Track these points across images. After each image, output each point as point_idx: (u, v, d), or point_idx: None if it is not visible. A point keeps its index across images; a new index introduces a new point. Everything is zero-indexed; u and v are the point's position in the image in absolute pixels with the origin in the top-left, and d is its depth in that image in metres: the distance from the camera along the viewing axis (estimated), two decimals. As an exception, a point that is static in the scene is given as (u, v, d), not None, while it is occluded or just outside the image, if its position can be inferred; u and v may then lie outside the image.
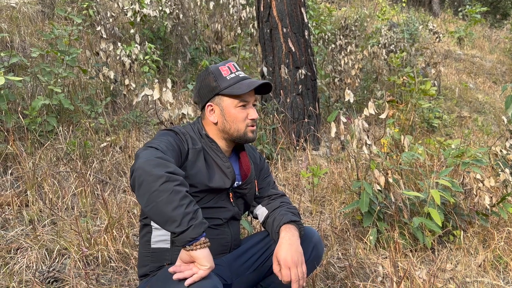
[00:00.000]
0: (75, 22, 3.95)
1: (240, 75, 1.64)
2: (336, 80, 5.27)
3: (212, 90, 1.63)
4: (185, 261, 1.27)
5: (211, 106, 1.65)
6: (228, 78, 1.61)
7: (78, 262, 2.11)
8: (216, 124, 1.64)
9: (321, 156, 4.10)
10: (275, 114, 4.04)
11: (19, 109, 3.18)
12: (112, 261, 2.20)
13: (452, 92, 7.29)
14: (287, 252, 1.50)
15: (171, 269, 1.27)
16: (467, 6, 12.42)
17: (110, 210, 2.50)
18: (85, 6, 4.97)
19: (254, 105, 1.67)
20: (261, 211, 1.77)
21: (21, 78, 2.89)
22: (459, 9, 13.96)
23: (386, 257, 2.49)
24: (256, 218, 1.82)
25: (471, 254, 2.62)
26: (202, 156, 1.57)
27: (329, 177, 3.52)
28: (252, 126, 1.65)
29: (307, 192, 3.36)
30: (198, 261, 1.24)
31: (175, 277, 1.24)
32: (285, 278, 1.47)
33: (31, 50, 3.76)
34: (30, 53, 3.92)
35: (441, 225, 2.46)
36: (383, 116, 2.66)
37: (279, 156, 3.72)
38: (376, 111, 2.71)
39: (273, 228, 1.65)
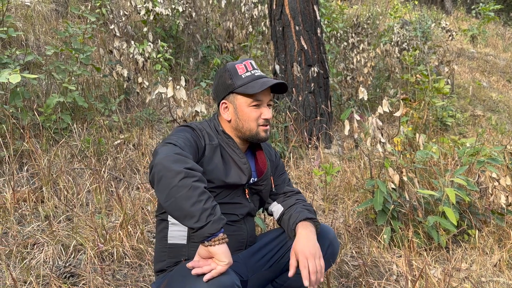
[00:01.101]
0: (89, 21, 3.98)
1: (256, 74, 1.63)
2: (348, 78, 5.25)
3: (227, 87, 1.63)
4: (203, 257, 1.28)
5: (225, 103, 1.65)
6: (243, 77, 1.61)
7: (94, 257, 2.13)
8: (229, 122, 1.65)
9: (333, 154, 4.08)
10: (287, 112, 4.04)
11: (34, 106, 3.22)
12: (127, 257, 2.22)
13: (466, 90, 7.22)
14: (305, 245, 1.50)
15: (189, 264, 1.27)
16: (481, 4, 12.26)
17: (125, 206, 2.52)
18: (98, 4, 5.00)
19: (269, 105, 1.66)
20: (277, 208, 1.77)
21: (36, 76, 2.92)
22: (472, 7, 13.80)
23: (401, 256, 2.47)
24: (271, 215, 1.82)
25: (486, 253, 2.59)
26: (218, 152, 1.57)
27: (342, 175, 3.51)
28: (265, 125, 1.63)
29: (319, 190, 3.36)
30: (216, 257, 1.25)
31: (193, 272, 1.25)
32: (303, 268, 1.46)
33: (45, 48, 3.80)
34: (44, 51, 3.96)
35: (456, 224, 2.44)
36: (397, 114, 2.64)
37: (291, 154, 3.72)
38: (389, 109, 2.69)
39: (289, 225, 1.65)
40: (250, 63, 1.66)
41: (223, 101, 1.66)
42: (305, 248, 1.49)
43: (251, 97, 1.60)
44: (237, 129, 1.64)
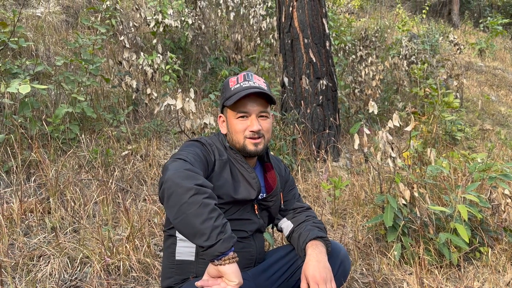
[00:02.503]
0: (98, 32, 4.00)
1: (244, 85, 1.57)
2: (356, 91, 5.23)
3: (221, 101, 1.66)
4: (213, 276, 1.25)
5: (221, 117, 1.67)
6: (232, 89, 1.59)
7: (100, 271, 2.10)
8: (226, 135, 1.64)
9: (341, 168, 4.05)
10: (295, 124, 4.02)
11: (43, 116, 3.22)
12: (134, 271, 2.19)
13: (474, 104, 7.17)
14: (315, 269, 1.45)
15: (198, 284, 1.24)
16: (488, 18, 12.25)
17: (132, 219, 2.49)
18: (108, 16, 5.04)
19: (262, 116, 1.59)
20: (286, 224, 1.74)
21: (45, 86, 2.93)
22: (480, 21, 13.79)
23: (411, 273, 2.42)
24: (281, 231, 1.78)
25: (499, 272, 2.53)
26: (228, 168, 1.55)
27: (350, 189, 3.47)
28: (253, 138, 1.56)
29: (328, 204, 3.32)
30: (226, 277, 1.22)
31: (202, 291, 1.22)
32: None
33: (55, 59, 3.82)
34: (54, 62, 3.98)
35: (468, 242, 2.39)
36: (408, 128, 2.61)
37: (299, 167, 3.68)
38: (400, 123, 2.67)
39: (299, 244, 1.62)
40: (244, 75, 1.62)
41: (220, 114, 1.68)
42: (315, 273, 1.45)
43: (235, 108, 1.57)
44: (230, 142, 1.62)
